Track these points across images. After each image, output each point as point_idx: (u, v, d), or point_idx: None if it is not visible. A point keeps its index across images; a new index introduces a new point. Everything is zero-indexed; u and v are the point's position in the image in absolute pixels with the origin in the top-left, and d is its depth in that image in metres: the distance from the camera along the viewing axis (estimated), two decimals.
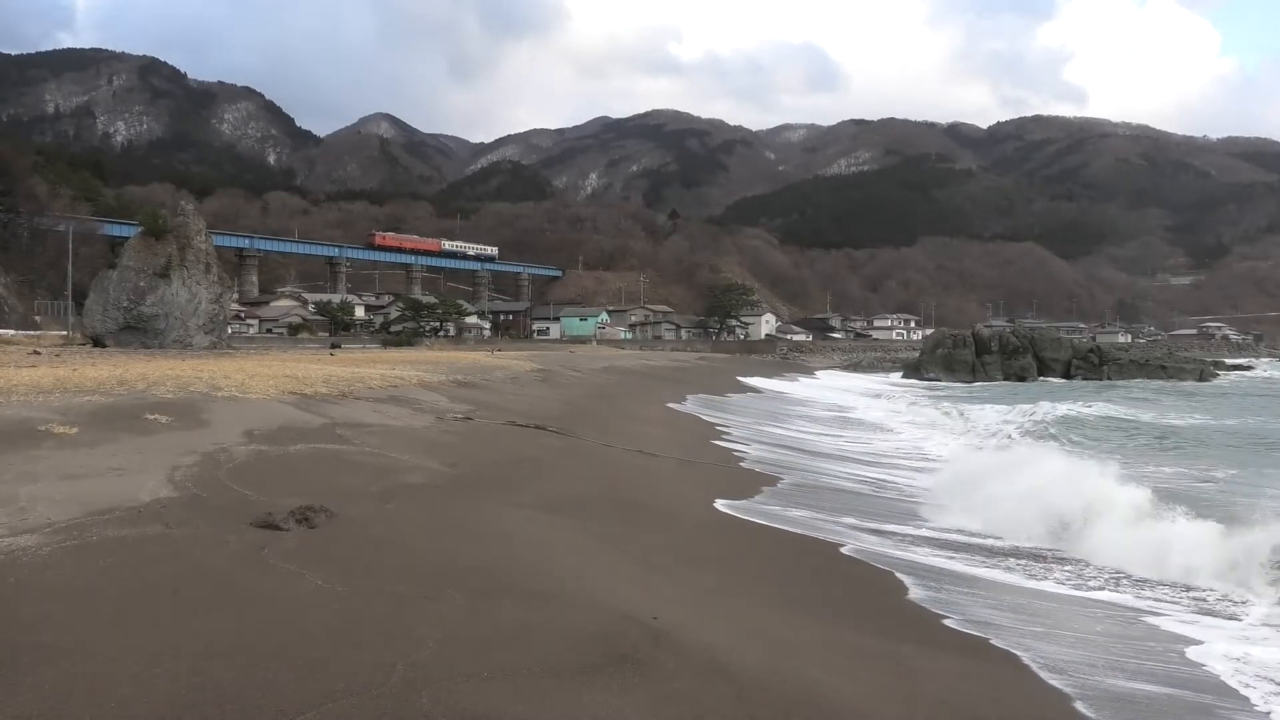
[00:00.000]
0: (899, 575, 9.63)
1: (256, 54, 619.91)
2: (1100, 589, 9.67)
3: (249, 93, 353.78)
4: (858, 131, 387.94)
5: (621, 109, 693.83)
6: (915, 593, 9.01)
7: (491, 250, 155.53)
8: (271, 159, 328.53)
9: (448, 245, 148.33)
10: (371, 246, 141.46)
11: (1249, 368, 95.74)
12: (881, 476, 17.67)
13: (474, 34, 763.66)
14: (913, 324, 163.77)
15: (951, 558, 10.83)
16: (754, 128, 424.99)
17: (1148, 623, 8.48)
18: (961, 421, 31.65)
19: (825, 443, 23.83)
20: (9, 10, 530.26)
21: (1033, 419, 31.39)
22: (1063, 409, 34.51)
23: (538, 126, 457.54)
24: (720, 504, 12.72)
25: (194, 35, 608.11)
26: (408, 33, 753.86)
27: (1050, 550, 11.27)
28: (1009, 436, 26.58)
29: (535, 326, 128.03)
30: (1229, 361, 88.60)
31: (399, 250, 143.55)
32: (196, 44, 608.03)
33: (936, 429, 29.52)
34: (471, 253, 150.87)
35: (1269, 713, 6.30)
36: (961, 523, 12.63)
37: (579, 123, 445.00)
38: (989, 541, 11.76)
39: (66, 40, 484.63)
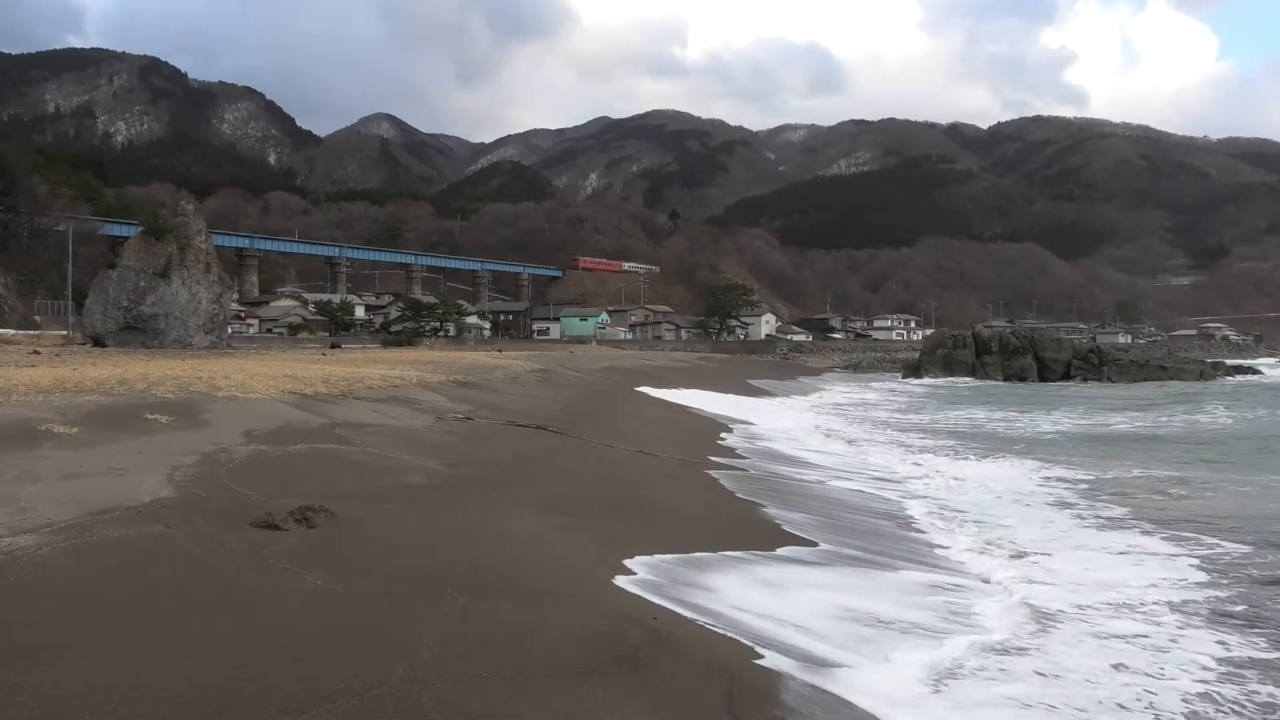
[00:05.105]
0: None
1: (265, 57, 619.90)
2: None
3: (249, 93, 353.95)
4: (858, 132, 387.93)
5: (623, 110, 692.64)
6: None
7: (655, 269, 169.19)
8: (272, 159, 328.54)
9: (627, 267, 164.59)
10: (576, 268, 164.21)
11: (1254, 370, 79.97)
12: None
13: (478, 37, 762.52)
14: (913, 324, 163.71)
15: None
16: (755, 128, 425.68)
17: None
18: None
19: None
20: (19, 12, 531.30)
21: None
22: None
23: (538, 127, 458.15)
24: (721, 504, 12.71)
25: (201, 39, 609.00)
26: (413, 36, 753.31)
27: None
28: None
29: (535, 327, 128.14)
30: (1230, 362, 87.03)
31: (602, 271, 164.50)
32: (204, 48, 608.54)
33: None
34: (642, 272, 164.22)
35: None
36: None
37: (580, 123, 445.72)
38: None
39: (75, 43, 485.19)
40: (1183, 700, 6.32)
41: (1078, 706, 6.11)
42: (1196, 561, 10.41)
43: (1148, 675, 6.79)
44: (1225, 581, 9.57)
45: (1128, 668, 6.93)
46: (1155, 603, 8.74)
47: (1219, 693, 6.50)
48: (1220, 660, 7.17)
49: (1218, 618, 8.32)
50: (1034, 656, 7.11)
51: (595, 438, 17.93)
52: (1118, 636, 7.72)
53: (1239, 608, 8.62)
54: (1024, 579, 9.61)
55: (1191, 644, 7.54)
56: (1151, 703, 6.26)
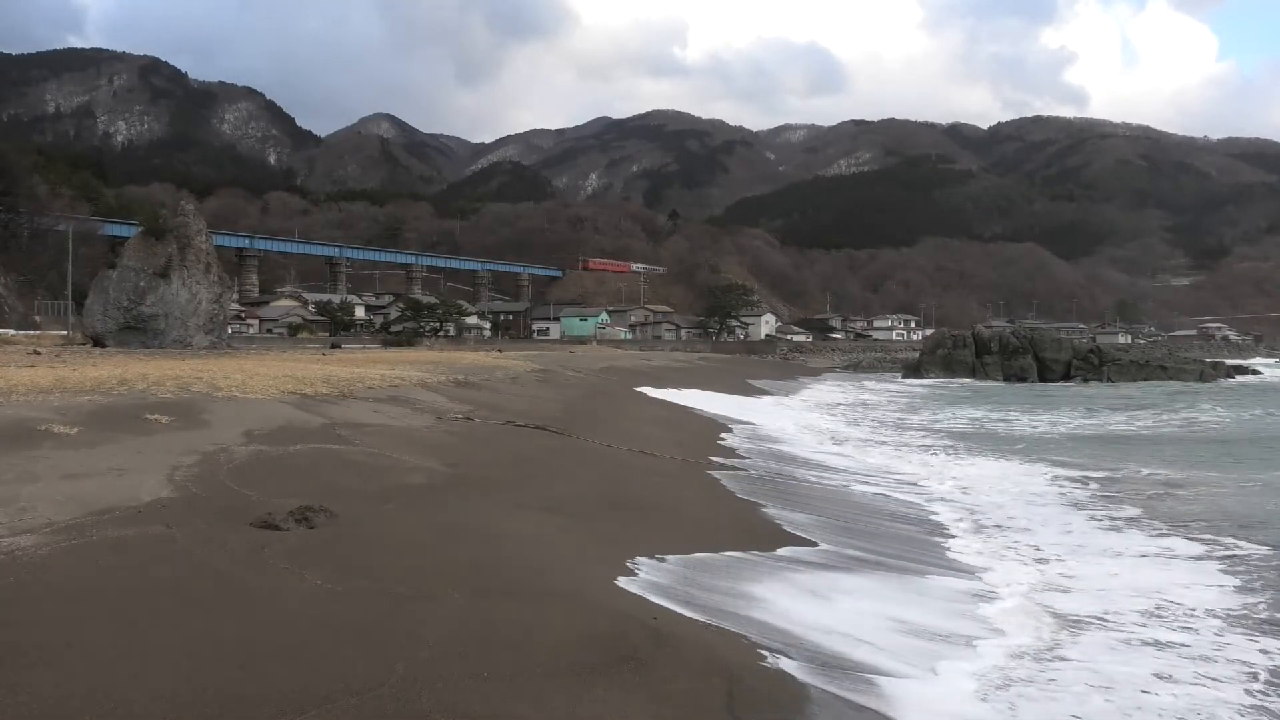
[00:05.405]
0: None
1: (265, 57, 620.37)
2: None
3: (249, 93, 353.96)
4: (858, 132, 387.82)
5: (623, 109, 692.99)
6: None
7: (661, 270, 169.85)
8: (272, 159, 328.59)
9: (635, 267, 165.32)
10: (584, 268, 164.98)
11: (1253, 371, 78.77)
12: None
13: (478, 37, 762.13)
14: (913, 324, 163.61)
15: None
16: (755, 128, 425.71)
17: None
18: None
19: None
20: (19, 12, 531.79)
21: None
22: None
23: (538, 127, 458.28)
24: (722, 504, 12.70)
25: (201, 39, 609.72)
26: (413, 36, 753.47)
27: None
28: None
29: (535, 327, 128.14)
30: (1229, 363, 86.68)
31: (603, 271, 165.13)
32: (204, 48, 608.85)
33: None
34: (648, 273, 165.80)
35: None
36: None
37: (580, 123, 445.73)
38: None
39: (75, 43, 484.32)
40: (1238, 714, 6.20)
41: None
42: (1222, 565, 10.35)
43: (1195, 685, 6.67)
44: (1257, 585, 9.46)
45: (1173, 678, 6.79)
46: (1190, 608, 8.61)
47: (1272, 706, 6.37)
48: (1268, 669, 7.03)
49: (1255, 624, 8.21)
50: (1079, 666, 6.96)
51: (595, 438, 17.93)
52: (1157, 644, 7.60)
53: (1277, 614, 8.48)
54: (1051, 585, 9.48)
55: (1234, 651, 7.39)
56: (1212, 714, 6.14)
